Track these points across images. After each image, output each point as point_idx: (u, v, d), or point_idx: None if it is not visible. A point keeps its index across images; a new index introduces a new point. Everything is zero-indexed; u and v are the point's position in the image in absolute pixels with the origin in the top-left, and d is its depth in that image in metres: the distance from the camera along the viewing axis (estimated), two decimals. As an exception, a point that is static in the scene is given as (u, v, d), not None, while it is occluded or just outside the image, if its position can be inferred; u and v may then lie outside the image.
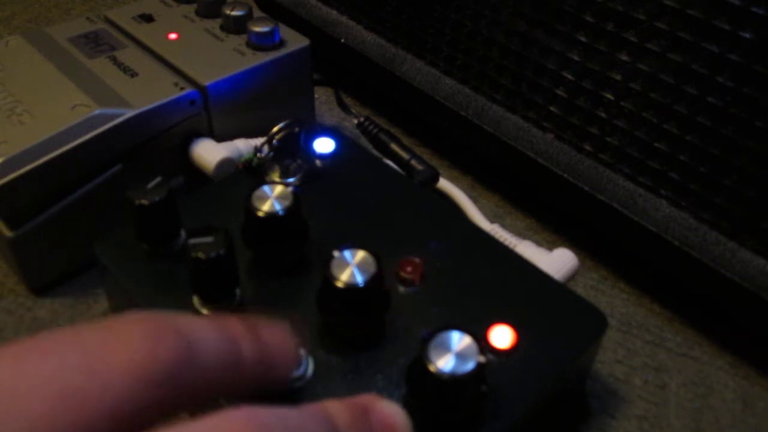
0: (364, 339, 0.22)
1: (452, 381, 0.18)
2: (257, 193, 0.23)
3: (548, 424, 0.24)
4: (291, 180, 0.28)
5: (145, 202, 0.24)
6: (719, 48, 0.23)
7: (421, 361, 0.19)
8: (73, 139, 0.27)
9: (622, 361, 0.28)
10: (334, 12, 0.39)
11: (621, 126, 0.28)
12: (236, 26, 0.34)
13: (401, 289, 0.24)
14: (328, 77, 0.40)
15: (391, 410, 0.17)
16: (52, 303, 0.29)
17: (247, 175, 0.29)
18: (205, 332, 0.16)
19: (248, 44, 0.33)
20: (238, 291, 0.23)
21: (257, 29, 0.33)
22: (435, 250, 0.25)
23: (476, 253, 0.25)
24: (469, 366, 0.18)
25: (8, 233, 0.27)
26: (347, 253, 0.21)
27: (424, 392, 0.19)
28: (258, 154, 0.29)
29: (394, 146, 0.34)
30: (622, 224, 0.29)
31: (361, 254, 0.21)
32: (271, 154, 0.28)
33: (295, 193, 0.24)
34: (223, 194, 0.28)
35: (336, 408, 0.16)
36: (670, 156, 0.26)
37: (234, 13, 0.34)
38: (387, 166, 0.30)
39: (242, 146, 0.31)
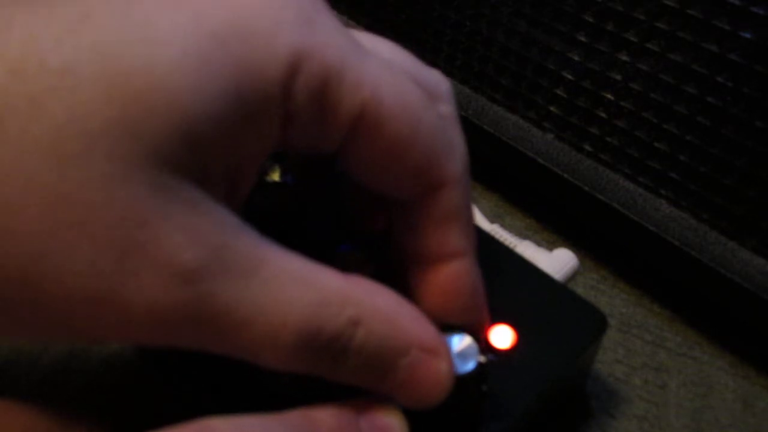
0: None
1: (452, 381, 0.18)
2: (257, 192, 0.23)
3: (548, 424, 0.24)
4: (291, 180, 0.28)
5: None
6: (719, 48, 0.23)
7: (421, 361, 0.19)
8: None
9: (622, 361, 0.28)
10: (334, 12, 0.39)
11: (621, 126, 0.28)
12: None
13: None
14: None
15: (386, 415, 0.17)
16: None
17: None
18: None
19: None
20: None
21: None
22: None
23: (476, 253, 0.25)
24: (470, 366, 0.18)
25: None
26: None
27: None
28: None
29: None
30: (622, 224, 0.29)
31: None
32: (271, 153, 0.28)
33: (294, 193, 0.24)
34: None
35: (323, 415, 0.16)
36: (670, 156, 0.26)
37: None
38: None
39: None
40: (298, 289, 0.15)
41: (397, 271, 0.20)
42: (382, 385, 0.17)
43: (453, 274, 0.19)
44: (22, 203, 0.13)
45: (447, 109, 0.19)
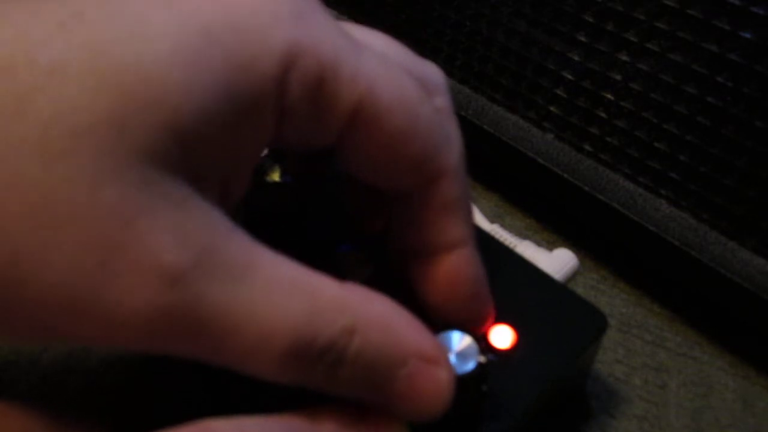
0: None
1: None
2: (257, 192, 0.23)
3: (548, 424, 0.24)
4: (290, 180, 0.28)
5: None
6: (719, 48, 0.23)
7: (421, 361, 0.18)
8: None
9: (622, 361, 0.28)
10: (334, 12, 0.39)
11: (621, 126, 0.28)
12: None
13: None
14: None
15: (388, 420, 0.17)
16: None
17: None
18: None
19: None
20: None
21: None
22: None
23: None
24: (470, 366, 0.18)
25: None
26: None
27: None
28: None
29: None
30: (622, 224, 0.29)
31: None
32: (271, 153, 0.28)
33: (293, 193, 0.24)
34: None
35: (324, 416, 0.16)
36: (670, 156, 0.26)
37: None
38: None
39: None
40: (290, 295, 0.15)
41: (397, 270, 0.20)
42: (380, 397, 0.16)
43: (455, 264, 0.19)
44: (4, 201, 0.13)
45: (442, 101, 0.19)
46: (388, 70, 0.17)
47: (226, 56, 0.14)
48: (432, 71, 0.20)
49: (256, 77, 0.15)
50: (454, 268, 0.19)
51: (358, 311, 0.15)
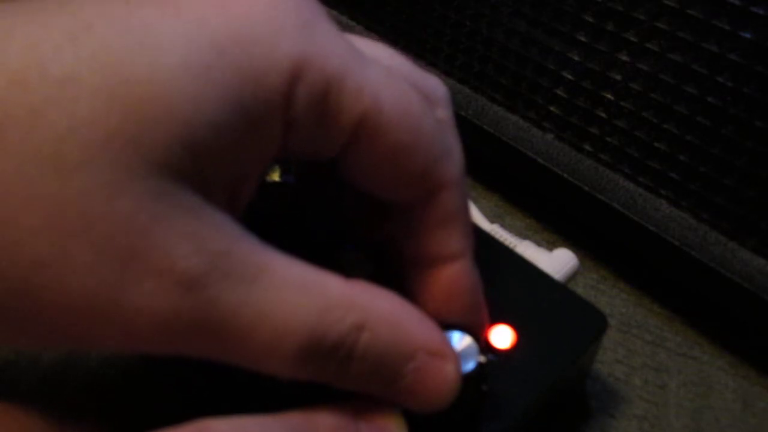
0: None
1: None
2: (257, 192, 0.23)
3: (548, 424, 0.24)
4: (291, 180, 0.28)
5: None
6: (719, 48, 0.23)
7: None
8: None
9: (622, 361, 0.28)
10: (334, 12, 0.39)
11: (621, 126, 0.28)
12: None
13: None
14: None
15: (386, 416, 0.17)
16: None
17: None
18: None
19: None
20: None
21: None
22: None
23: (476, 253, 0.25)
24: (470, 366, 0.18)
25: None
26: None
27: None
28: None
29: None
30: (622, 224, 0.29)
31: None
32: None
33: (294, 193, 0.24)
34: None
35: (323, 415, 0.16)
36: (670, 156, 0.26)
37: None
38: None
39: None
40: (301, 295, 0.15)
41: (396, 272, 0.20)
42: (389, 390, 0.17)
43: (453, 276, 0.19)
44: (23, 213, 0.13)
45: (444, 113, 0.20)
46: (392, 83, 0.17)
47: (234, 69, 0.15)
48: (434, 83, 0.20)
49: (264, 90, 0.15)
50: (452, 281, 0.19)
51: (366, 307, 0.16)
